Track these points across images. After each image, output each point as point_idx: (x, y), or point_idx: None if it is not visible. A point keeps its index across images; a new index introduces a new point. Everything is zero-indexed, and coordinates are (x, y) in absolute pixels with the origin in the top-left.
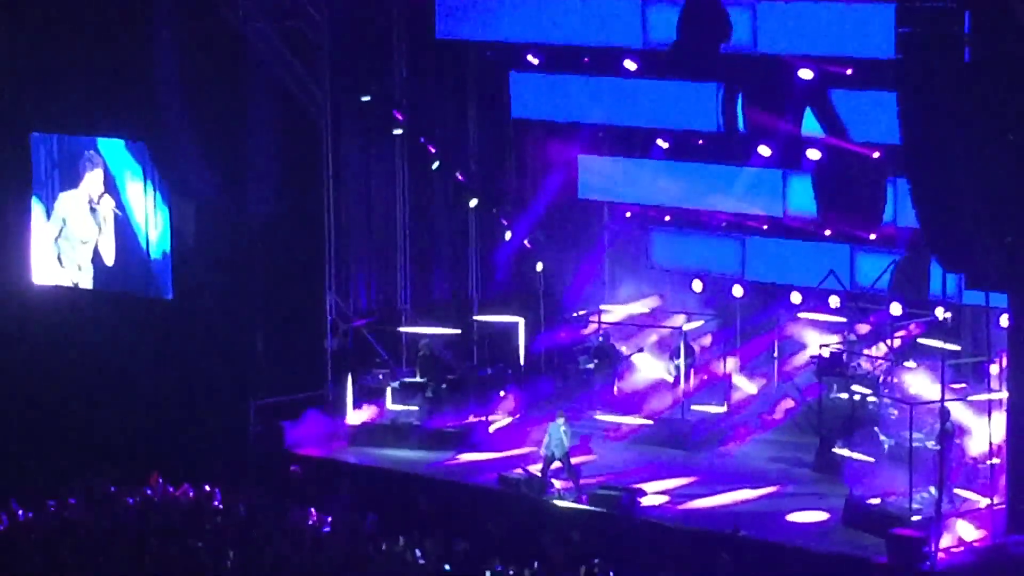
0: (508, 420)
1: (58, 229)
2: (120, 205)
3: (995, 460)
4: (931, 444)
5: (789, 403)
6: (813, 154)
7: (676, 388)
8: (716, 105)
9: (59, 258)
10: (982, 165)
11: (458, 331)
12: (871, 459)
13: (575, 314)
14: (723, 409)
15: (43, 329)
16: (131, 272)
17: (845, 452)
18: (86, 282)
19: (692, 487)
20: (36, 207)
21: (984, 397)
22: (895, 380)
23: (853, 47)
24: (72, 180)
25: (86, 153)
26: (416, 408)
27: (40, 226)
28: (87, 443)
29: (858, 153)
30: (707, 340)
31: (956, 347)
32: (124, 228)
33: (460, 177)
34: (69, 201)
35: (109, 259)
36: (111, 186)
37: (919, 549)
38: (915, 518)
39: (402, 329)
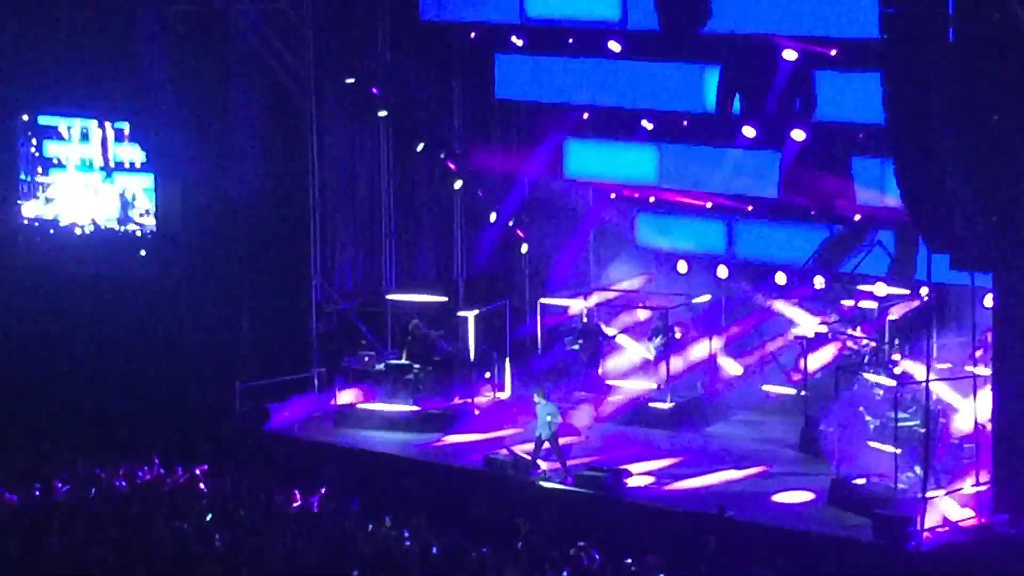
0: (493, 402)
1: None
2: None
3: (981, 440)
4: (915, 424)
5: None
6: (798, 135)
7: (660, 368)
8: (702, 86)
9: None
10: (967, 145)
11: (445, 298)
12: (856, 439)
13: (561, 295)
14: (708, 389)
15: (30, 312)
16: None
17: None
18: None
19: (677, 468)
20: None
21: (969, 376)
22: (880, 360)
23: (837, 27)
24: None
25: None
26: (402, 390)
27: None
28: (72, 425)
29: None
30: (691, 321)
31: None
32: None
33: (445, 159)
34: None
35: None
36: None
37: (905, 529)
38: (900, 497)
39: (390, 296)
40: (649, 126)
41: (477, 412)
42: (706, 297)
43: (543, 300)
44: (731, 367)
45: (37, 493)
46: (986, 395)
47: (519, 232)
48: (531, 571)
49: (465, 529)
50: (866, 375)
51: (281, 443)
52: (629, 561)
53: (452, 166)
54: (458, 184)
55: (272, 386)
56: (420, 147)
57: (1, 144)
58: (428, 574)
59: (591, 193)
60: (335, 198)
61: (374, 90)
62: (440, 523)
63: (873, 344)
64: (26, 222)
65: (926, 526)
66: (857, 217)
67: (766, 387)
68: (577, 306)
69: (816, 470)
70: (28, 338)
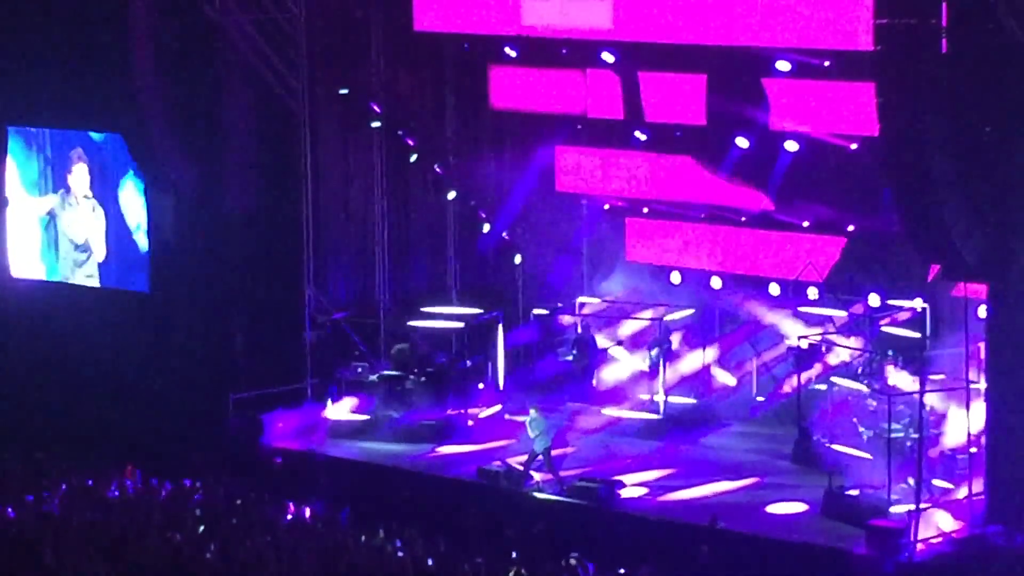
0: (487, 413)
1: (44, 228)
2: (114, 200)
3: (973, 450)
4: (903, 434)
5: None
6: (791, 146)
7: (654, 379)
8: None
9: (51, 256)
10: (960, 156)
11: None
12: (849, 450)
13: (552, 307)
14: (701, 400)
15: (21, 323)
16: (126, 270)
17: (823, 443)
18: (91, 282)
19: (671, 479)
20: (20, 201)
21: (962, 387)
22: (873, 371)
23: (831, 38)
24: (60, 180)
25: (73, 151)
26: (395, 401)
27: (23, 221)
28: (66, 437)
29: (835, 145)
30: (684, 332)
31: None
32: (117, 225)
33: (438, 170)
34: (55, 203)
35: (100, 256)
36: (100, 182)
37: (898, 540)
38: (894, 509)
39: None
40: (642, 137)
41: (470, 423)
42: (692, 311)
43: (536, 311)
44: (724, 378)
45: (29, 504)
46: (979, 406)
47: (512, 243)
48: None
49: (458, 540)
50: (860, 385)
51: (274, 454)
52: (623, 572)
53: (445, 176)
54: (451, 195)
55: (265, 397)
56: (413, 158)
57: None
58: None
59: (584, 204)
60: (328, 209)
61: (373, 106)
62: (433, 534)
63: (867, 355)
64: None
65: (919, 537)
66: (851, 228)
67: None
68: (571, 318)
69: (809, 481)
70: (20, 349)
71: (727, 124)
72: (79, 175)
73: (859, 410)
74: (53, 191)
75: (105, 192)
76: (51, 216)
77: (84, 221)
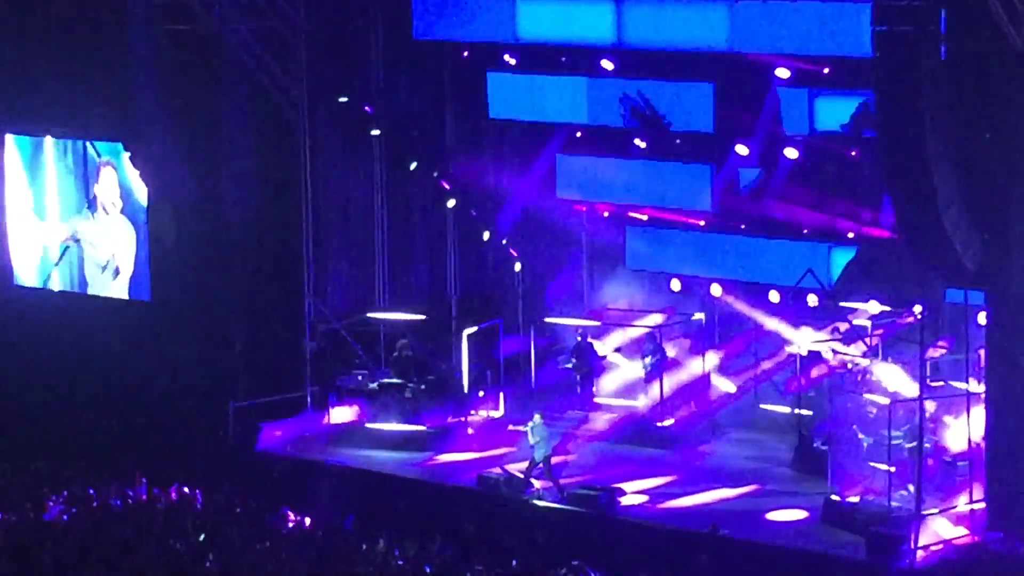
0: (487, 420)
1: (63, 254)
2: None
3: (974, 457)
4: (908, 443)
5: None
6: (791, 153)
7: (654, 387)
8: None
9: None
10: (959, 162)
11: (422, 316)
12: (850, 457)
13: (549, 319)
14: (701, 408)
15: (21, 331)
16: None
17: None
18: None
19: (671, 486)
20: (33, 225)
21: (962, 394)
22: (873, 378)
23: (830, 46)
24: (85, 194)
25: (98, 160)
26: (396, 408)
27: (38, 230)
28: (66, 445)
29: (836, 151)
30: (685, 339)
31: (940, 345)
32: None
33: (437, 177)
34: (78, 225)
35: (127, 274)
36: (128, 191)
37: (898, 547)
38: (894, 515)
39: (374, 315)
40: (642, 144)
41: (470, 431)
42: (699, 315)
43: (548, 319)
44: (725, 385)
45: (30, 512)
46: (979, 413)
47: (512, 251)
48: None
49: (458, 548)
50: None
51: (274, 462)
52: None
53: (445, 185)
54: (451, 203)
55: (266, 405)
56: (413, 166)
57: None
58: None
59: (584, 211)
60: (328, 217)
61: (367, 109)
62: (433, 542)
63: (867, 362)
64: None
65: (920, 544)
66: (851, 235)
67: (764, 406)
68: (574, 326)
69: (810, 488)
70: (21, 358)
71: (727, 131)
72: (107, 182)
73: (859, 417)
74: (77, 211)
75: (134, 202)
76: (75, 241)
77: (111, 237)
